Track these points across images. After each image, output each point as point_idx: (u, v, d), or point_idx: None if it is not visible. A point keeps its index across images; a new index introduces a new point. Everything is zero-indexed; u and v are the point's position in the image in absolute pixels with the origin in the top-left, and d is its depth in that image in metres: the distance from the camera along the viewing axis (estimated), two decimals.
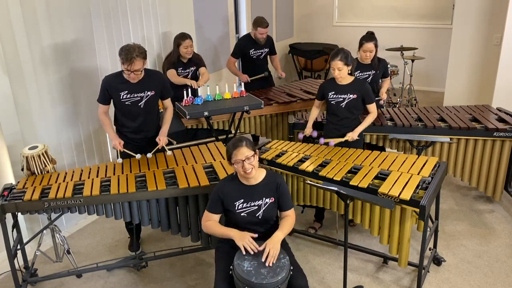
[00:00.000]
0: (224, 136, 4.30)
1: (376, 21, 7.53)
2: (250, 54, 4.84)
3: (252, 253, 2.23)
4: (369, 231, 2.89)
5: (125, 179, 2.87)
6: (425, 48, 7.09)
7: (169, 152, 3.15)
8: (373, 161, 3.08)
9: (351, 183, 2.81)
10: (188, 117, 3.77)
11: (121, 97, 3.08)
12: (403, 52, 6.25)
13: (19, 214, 2.92)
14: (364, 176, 2.86)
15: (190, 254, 3.34)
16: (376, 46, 3.75)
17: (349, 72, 3.29)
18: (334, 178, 2.89)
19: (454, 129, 3.61)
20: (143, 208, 2.81)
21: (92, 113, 3.83)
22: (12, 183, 2.97)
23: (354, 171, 2.99)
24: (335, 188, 2.48)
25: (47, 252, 3.21)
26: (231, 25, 6.00)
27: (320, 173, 2.97)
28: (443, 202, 3.96)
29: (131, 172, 2.97)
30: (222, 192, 2.42)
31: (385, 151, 3.61)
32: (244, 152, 2.31)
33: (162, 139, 3.14)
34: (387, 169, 2.94)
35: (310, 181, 2.90)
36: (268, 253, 2.20)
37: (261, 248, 2.25)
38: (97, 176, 2.93)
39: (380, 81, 4.01)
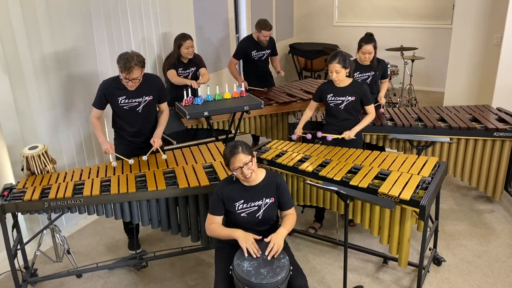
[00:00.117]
0: (224, 136, 4.30)
1: (376, 21, 7.53)
2: (252, 55, 4.84)
3: (254, 256, 2.23)
4: (369, 231, 2.89)
5: (125, 179, 2.87)
6: (425, 48, 7.09)
7: (164, 156, 3.14)
8: (373, 161, 3.08)
9: (351, 183, 2.81)
10: (188, 117, 3.78)
11: (119, 102, 3.08)
12: (403, 52, 6.25)
13: (19, 214, 2.92)
14: (364, 176, 2.86)
15: (190, 254, 3.34)
16: (375, 47, 3.75)
17: (347, 74, 3.30)
18: (334, 178, 2.89)
19: (454, 129, 3.61)
20: (143, 208, 2.81)
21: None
22: (12, 183, 2.97)
23: (354, 171, 2.99)
24: (335, 188, 2.48)
25: (47, 252, 3.21)
26: (231, 26, 6.00)
27: (320, 173, 2.97)
28: (443, 202, 3.96)
29: (131, 172, 2.97)
30: (222, 193, 2.42)
31: (385, 151, 3.61)
32: (242, 158, 2.31)
33: (156, 141, 3.13)
34: (387, 169, 2.94)
35: (310, 181, 2.90)
36: (272, 247, 2.23)
37: (266, 240, 2.27)
38: (97, 176, 2.93)
39: (379, 82, 4.01)
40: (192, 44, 4.18)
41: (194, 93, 4.11)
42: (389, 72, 6.07)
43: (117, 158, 3.13)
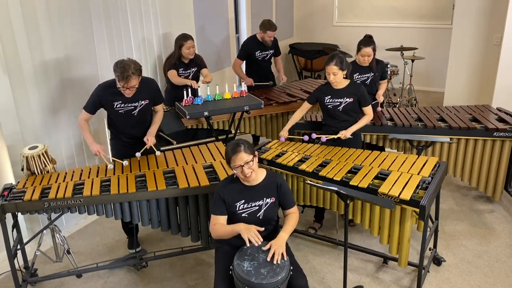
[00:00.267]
0: (224, 136, 4.30)
1: (376, 21, 7.53)
2: (255, 55, 4.86)
3: (256, 244, 2.22)
4: (369, 231, 2.89)
5: (125, 179, 2.87)
6: (425, 48, 7.09)
7: (158, 152, 3.14)
8: (373, 161, 3.08)
9: (351, 183, 2.81)
10: (188, 117, 3.78)
11: (114, 107, 3.06)
12: (403, 52, 6.25)
13: (19, 214, 2.92)
14: (364, 176, 2.86)
15: (190, 254, 3.34)
16: (374, 50, 3.76)
17: (345, 76, 3.30)
18: (334, 178, 2.89)
19: (454, 129, 3.61)
20: (143, 208, 2.81)
21: None
22: (12, 183, 2.97)
23: (354, 171, 2.99)
24: (335, 188, 2.48)
25: (47, 252, 3.21)
26: (231, 26, 6.00)
27: (320, 173, 2.97)
28: (443, 202, 3.96)
29: (131, 172, 2.97)
30: (223, 192, 2.42)
31: (385, 151, 3.61)
32: (243, 157, 2.31)
33: (150, 139, 3.13)
34: (387, 169, 2.94)
35: (310, 181, 2.90)
36: (274, 252, 2.21)
37: (265, 248, 2.25)
38: (97, 176, 2.93)
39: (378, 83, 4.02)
40: (193, 44, 4.19)
41: (194, 93, 4.11)
42: (388, 73, 6.09)
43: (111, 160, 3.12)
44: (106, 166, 3.01)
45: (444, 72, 6.15)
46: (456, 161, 3.72)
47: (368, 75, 3.87)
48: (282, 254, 2.23)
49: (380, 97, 3.96)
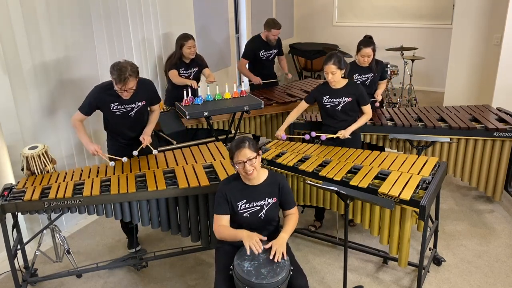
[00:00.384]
0: (224, 136, 4.30)
1: (376, 21, 7.53)
2: (260, 55, 4.88)
3: (256, 253, 2.22)
4: (369, 231, 2.89)
5: (125, 179, 2.87)
6: (425, 48, 7.09)
7: (155, 151, 3.14)
8: (373, 161, 3.08)
9: (351, 183, 2.81)
10: (188, 117, 3.78)
11: (111, 108, 3.06)
12: (403, 52, 6.25)
13: (19, 214, 2.93)
14: (364, 176, 2.86)
15: (190, 254, 3.34)
16: (374, 50, 3.76)
17: (343, 75, 3.30)
18: (334, 178, 2.89)
19: (454, 129, 3.61)
20: (143, 208, 2.81)
21: None
22: (12, 183, 2.97)
23: (354, 171, 2.99)
24: (335, 188, 2.48)
25: (47, 252, 3.21)
26: (231, 26, 6.00)
27: (320, 173, 2.97)
28: (443, 202, 3.96)
29: (131, 172, 2.97)
30: (225, 191, 2.41)
31: (385, 151, 3.61)
32: (246, 153, 2.31)
33: (146, 138, 3.12)
34: (387, 169, 2.94)
35: (310, 181, 2.90)
36: (276, 251, 2.21)
37: (266, 247, 2.25)
38: (97, 176, 2.93)
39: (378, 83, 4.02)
40: (194, 44, 4.19)
41: (194, 93, 4.11)
42: (388, 73, 6.09)
43: (109, 159, 3.12)
44: (107, 164, 3.02)
45: (444, 72, 6.15)
46: (456, 161, 3.72)
47: (368, 75, 3.87)
48: (283, 253, 2.23)
49: (378, 96, 3.96)
